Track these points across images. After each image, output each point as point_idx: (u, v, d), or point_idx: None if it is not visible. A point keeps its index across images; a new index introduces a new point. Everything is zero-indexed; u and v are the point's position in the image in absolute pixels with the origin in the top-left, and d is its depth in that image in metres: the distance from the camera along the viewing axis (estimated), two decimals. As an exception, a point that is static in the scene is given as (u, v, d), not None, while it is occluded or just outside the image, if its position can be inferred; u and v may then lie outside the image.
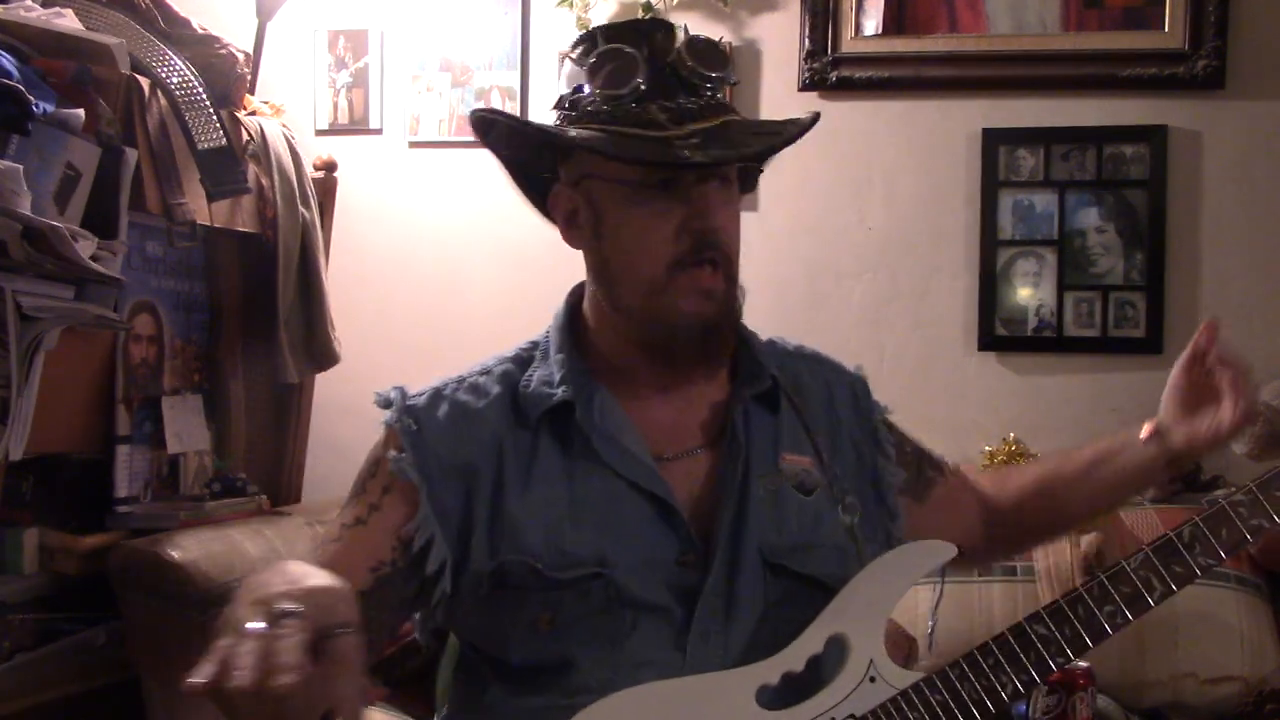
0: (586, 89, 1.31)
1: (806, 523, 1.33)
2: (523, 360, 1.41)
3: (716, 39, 1.37)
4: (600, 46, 1.31)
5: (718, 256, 1.30)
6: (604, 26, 1.37)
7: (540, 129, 1.34)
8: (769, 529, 1.31)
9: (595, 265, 1.37)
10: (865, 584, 1.28)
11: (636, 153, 1.27)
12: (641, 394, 1.37)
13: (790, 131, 1.34)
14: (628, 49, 1.30)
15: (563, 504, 1.30)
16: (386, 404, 1.38)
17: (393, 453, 1.33)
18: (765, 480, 1.34)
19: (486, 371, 1.40)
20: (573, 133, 1.30)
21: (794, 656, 1.24)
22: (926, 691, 1.22)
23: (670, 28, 1.33)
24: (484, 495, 1.31)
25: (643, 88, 1.29)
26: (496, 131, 1.39)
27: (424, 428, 1.34)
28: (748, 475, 1.33)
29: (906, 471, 1.48)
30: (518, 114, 2.85)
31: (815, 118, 1.38)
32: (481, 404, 1.36)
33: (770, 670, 1.23)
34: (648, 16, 2.76)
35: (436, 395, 1.38)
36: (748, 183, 1.44)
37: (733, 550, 1.29)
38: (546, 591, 1.27)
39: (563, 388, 1.33)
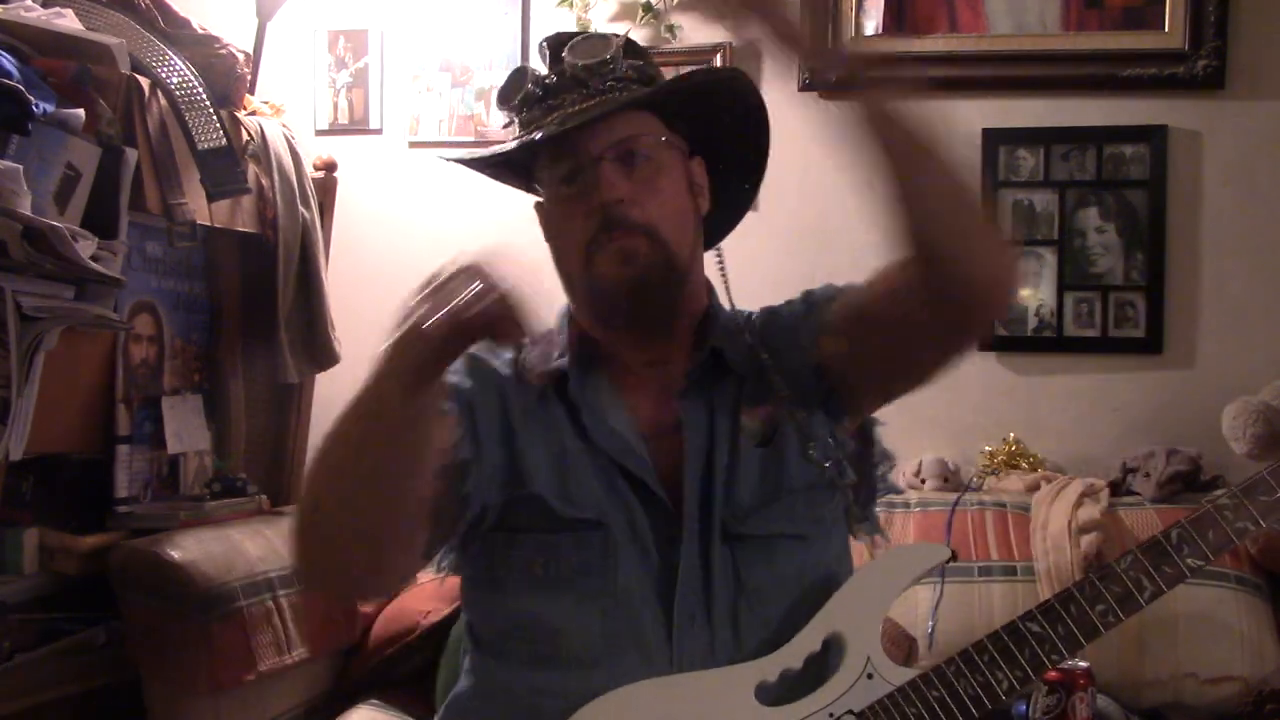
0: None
1: (770, 474, 1.35)
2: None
3: (615, 32, 1.47)
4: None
5: (629, 228, 1.34)
6: (549, 39, 1.47)
7: (456, 158, 1.51)
8: (733, 496, 1.34)
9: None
10: (862, 583, 1.30)
11: (475, 156, 1.45)
12: (630, 376, 1.41)
13: (642, 93, 1.38)
14: (527, 67, 1.45)
15: (567, 464, 1.35)
16: None
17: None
18: (730, 443, 1.36)
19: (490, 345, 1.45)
20: (457, 153, 1.50)
21: (792, 654, 1.26)
22: (924, 688, 1.24)
23: (581, 36, 1.42)
24: (493, 435, 1.35)
25: (519, 99, 1.41)
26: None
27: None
28: (712, 450, 1.36)
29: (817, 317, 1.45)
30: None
31: (682, 78, 1.45)
32: (492, 364, 1.42)
33: (769, 667, 1.25)
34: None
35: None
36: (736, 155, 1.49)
37: (702, 527, 1.32)
38: (547, 533, 1.31)
39: (563, 358, 1.40)
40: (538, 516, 1.32)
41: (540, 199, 1.46)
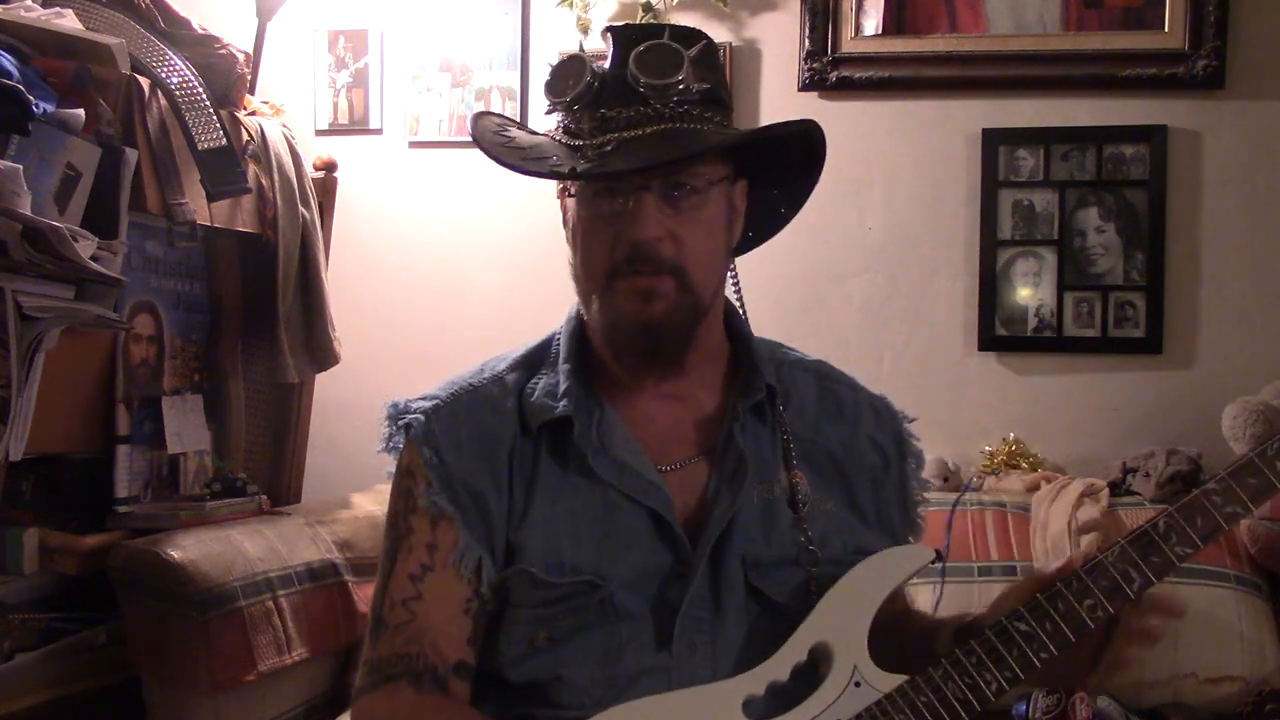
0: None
1: (799, 538, 1.33)
2: (533, 364, 1.41)
3: (690, 44, 1.31)
4: (573, 52, 1.34)
5: (656, 268, 1.28)
6: (616, 28, 1.36)
7: (477, 141, 1.37)
8: (757, 541, 1.32)
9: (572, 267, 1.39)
10: (845, 591, 1.28)
11: (518, 162, 1.30)
12: (641, 403, 1.37)
13: (714, 141, 1.29)
14: (584, 56, 1.32)
15: (562, 519, 1.31)
16: (398, 416, 1.38)
17: (422, 487, 1.34)
18: (761, 490, 1.34)
19: (498, 379, 1.40)
20: (489, 140, 1.35)
21: (778, 666, 1.24)
22: (912, 693, 1.22)
23: (652, 35, 1.30)
24: (496, 518, 1.32)
25: (574, 98, 1.30)
26: None
27: (445, 455, 1.34)
28: (742, 488, 1.32)
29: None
30: (517, 114, 2.86)
31: (760, 131, 1.36)
32: (497, 423, 1.36)
33: (755, 681, 1.23)
34: (647, 19, 2.77)
35: (455, 414, 1.37)
36: (778, 198, 1.46)
37: (715, 562, 1.30)
38: (543, 606, 1.29)
39: (564, 401, 1.34)
40: (530, 588, 1.29)
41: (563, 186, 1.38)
